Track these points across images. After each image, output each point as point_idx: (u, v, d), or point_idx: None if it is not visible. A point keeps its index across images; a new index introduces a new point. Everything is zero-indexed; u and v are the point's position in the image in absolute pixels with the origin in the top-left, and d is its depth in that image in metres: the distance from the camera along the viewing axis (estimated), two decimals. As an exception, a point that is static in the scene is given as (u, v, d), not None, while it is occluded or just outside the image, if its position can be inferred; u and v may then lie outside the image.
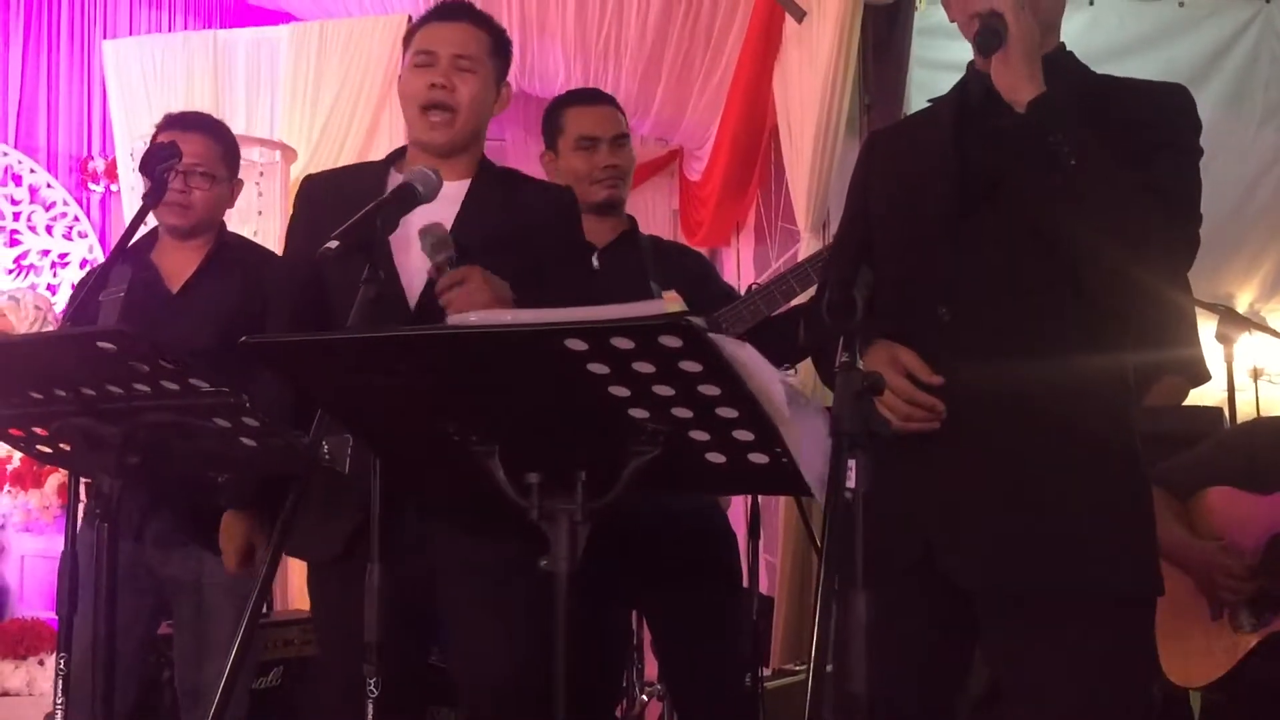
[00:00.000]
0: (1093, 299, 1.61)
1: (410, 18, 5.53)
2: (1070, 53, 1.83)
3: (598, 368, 1.19)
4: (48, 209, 6.78)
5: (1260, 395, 3.85)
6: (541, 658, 1.65)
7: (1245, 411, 3.43)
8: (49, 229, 6.78)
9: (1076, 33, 4.94)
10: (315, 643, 2.26)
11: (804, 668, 3.72)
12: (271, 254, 2.97)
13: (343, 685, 1.82)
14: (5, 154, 6.79)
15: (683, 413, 1.24)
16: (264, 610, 2.94)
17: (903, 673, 1.62)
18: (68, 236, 6.78)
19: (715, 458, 1.30)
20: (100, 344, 1.38)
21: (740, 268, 6.02)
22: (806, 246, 4.31)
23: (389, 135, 5.21)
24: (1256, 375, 4.09)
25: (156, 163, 2.26)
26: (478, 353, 1.23)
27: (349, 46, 5.32)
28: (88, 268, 6.77)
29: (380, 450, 1.51)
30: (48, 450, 1.70)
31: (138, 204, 5.81)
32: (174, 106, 5.55)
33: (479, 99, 2.07)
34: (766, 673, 3.42)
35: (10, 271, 6.62)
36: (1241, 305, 4.80)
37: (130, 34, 6.85)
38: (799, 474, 1.27)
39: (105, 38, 6.90)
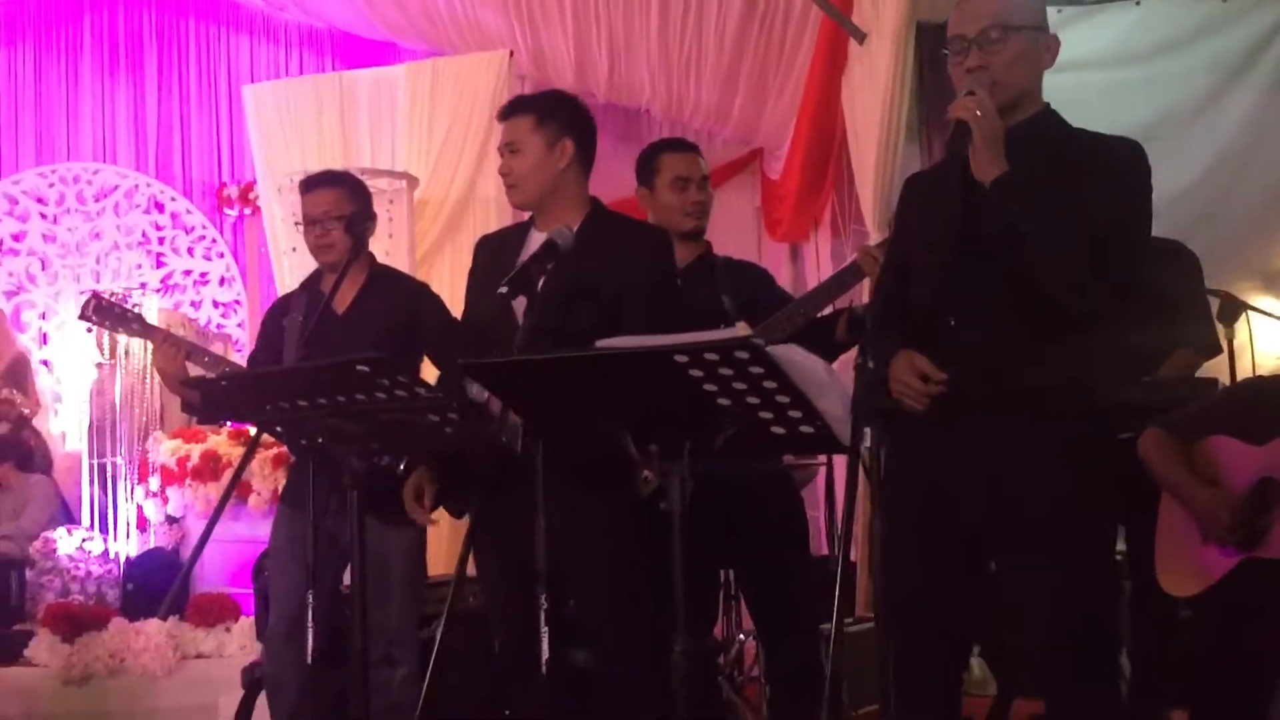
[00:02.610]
0: (1057, 313, 2.22)
1: (511, 53, 6.27)
2: (1052, 112, 2.42)
3: (696, 372, 1.86)
4: (188, 232, 7.68)
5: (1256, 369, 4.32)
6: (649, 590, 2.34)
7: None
8: (190, 250, 7.68)
9: (1125, 31, 5.54)
10: (481, 582, 2.89)
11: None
12: (416, 281, 3.68)
13: (512, 609, 2.51)
14: (149, 184, 7.70)
15: (753, 399, 1.90)
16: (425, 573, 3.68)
17: (925, 587, 2.27)
18: (207, 257, 7.67)
19: (778, 429, 1.96)
20: (359, 367, 2.09)
21: (819, 261, 6.62)
22: (876, 245, 4.91)
23: (495, 163, 5.92)
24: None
25: (358, 224, 2.98)
26: (619, 367, 1.91)
27: (459, 81, 6.06)
28: (225, 285, 7.68)
29: (545, 434, 2.20)
30: (303, 442, 2.42)
31: (279, 228, 6.63)
32: (307, 143, 6.41)
33: (530, 169, 2.72)
34: (849, 620, 4.07)
35: (158, 290, 7.52)
36: (1294, 276, 5.29)
37: (250, 71, 7.70)
38: (834, 438, 1.93)
39: (229, 75, 7.77)
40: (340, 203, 3.35)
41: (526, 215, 2.86)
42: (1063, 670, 2.25)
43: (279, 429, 2.47)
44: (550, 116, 2.75)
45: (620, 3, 6.05)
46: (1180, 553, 2.86)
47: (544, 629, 2.30)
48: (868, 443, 1.85)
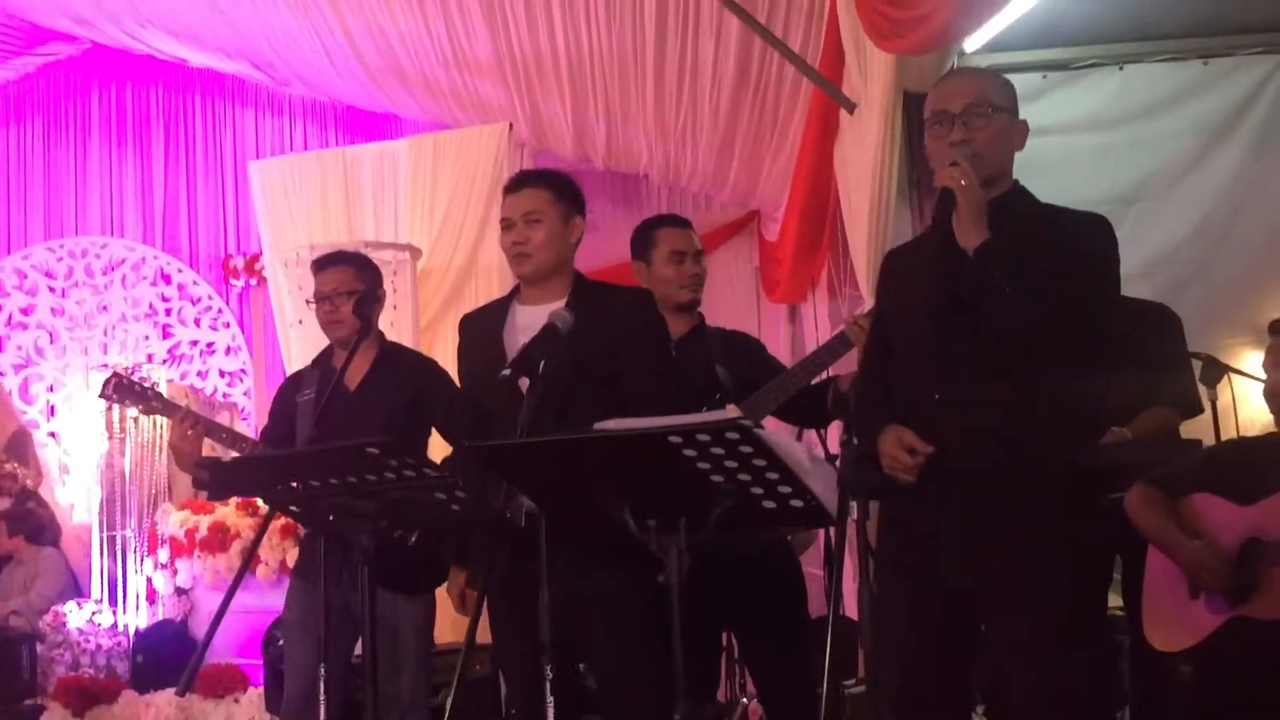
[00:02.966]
0: (1033, 377, 2.33)
1: (511, 125, 6.45)
2: (1023, 189, 2.55)
3: (689, 452, 1.97)
4: (195, 303, 7.84)
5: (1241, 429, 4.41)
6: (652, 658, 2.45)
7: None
8: (196, 321, 7.83)
9: (1110, 95, 5.71)
10: (494, 649, 3.03)
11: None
12: (424, 358, 3.81)
13: (523, 678, 2.61)
14: (156, 256, 7.87)
15: (744, 477, 2.01)
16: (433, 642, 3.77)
17: (922, 652, 2.37)
18: (213, 327, 7.83)
19: (769, 504, 2.07)
20: (369, 450, 2.20)
21: (817, 322, 6.74)
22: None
23: (496, 233, 6.09)
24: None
25: (368, 303, 3.12)
26: (616, 447, 2.03)
27: (459, 154, 6.24)
28: (231, 354, 7.81)
29: (548, 510, 2.31)
30: (315, 520, 2.53)
31: (286, 301, 6.75)
32: (312, 217, 6.58)
33: (548, 239, 2.85)
34: (850, 682, 4.16)
35: (165, 361, 7.66)
36: (1287, 329, 5.39)
37: (255, 144, 7.90)
38: (824, 511, 2.04)
39: (235, 148, 7.97)
40: (351, 281, 3.49)
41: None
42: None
43: (292, 507, 2.58)
44: (564, 194, 2.91)
45: (616, 74, 6.23)
46: (1168, 608, 2.95)
47: (549, 698, 2.39)
48: (854, 515, 1.96)
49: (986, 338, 2.37)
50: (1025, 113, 6.11)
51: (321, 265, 3.57)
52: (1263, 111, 5.65)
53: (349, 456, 2.29)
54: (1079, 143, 5.71)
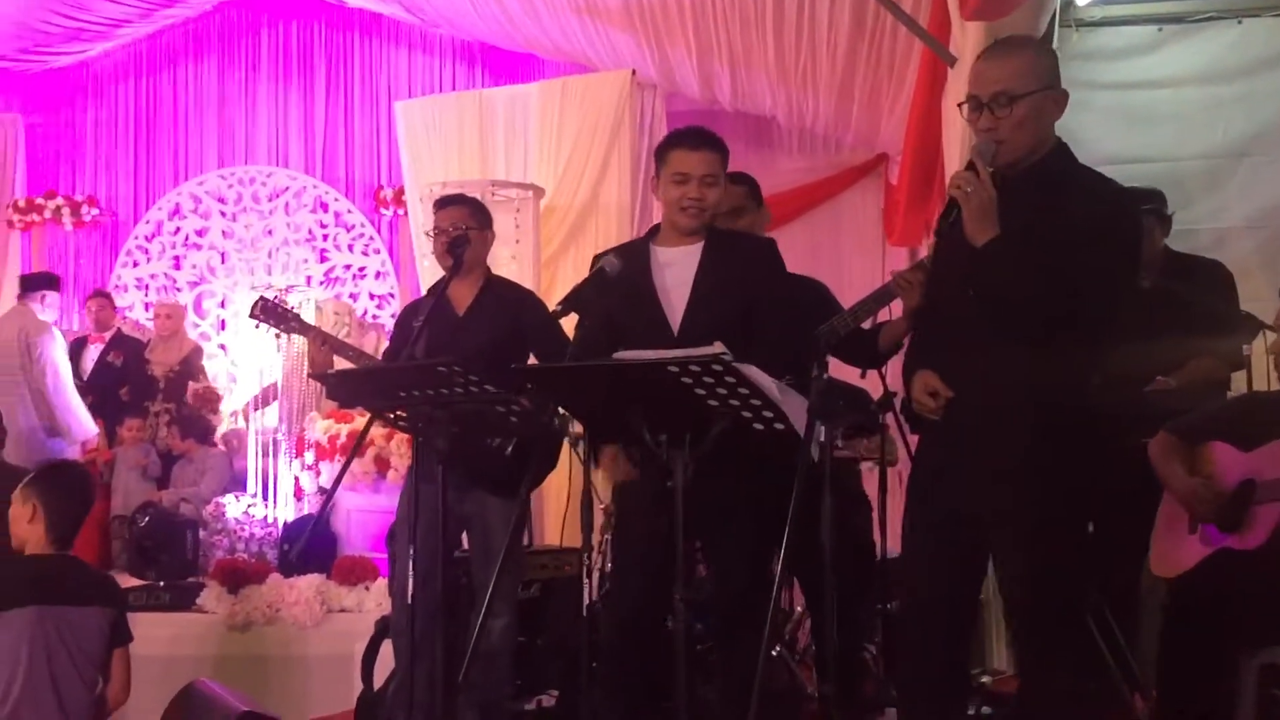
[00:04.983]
0: (1034, 344, 2.63)
1: (634, 71, 6.90)
2: (1060, 152, 2.76)
3: (686, 380, 2.45)
4: (349, 230, 8.60)
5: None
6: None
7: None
8: (350, 247, 8.60)
9: (1225, 48, 5.82)
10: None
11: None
12: (523, 289, 4.35)
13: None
14: (315, 185, 8.65)
15: (734, 402, 2.48)
16: (527, 542, 4.35)
17: (929, 572, 2.77)
18: (365, 253, 8.59)
19: (757, 426, 2.53)
20: (440, 369, 2.75)
21: (930, 266, 7.03)
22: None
23: (617, 173, 6.60)
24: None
25: (476, 239, 3.73)
26: (629, 373, 2.52)
27: (585, 98, 6.73)
28: (380, 278, 8.56)
29: (586, 423, 2.83)
30: (404, 425, 3.10)
31: (422, 235, 7.40)
32: (449, 155, 7.16)
33: (719, 200, 3.21)
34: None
35: (322, 283, 8.46)
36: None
37: (408, 81, 8.57)
38: (798, 434, 2.49)
39: (389, 85, 8.65)
40: (464, 219, 4.06)
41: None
42: (1029, 644, 2.73)
43: (393, 415, 3.15)
44: (727, 159, 3.25)
45: (738, 22, 6.60)
46: (1169, 539, 3.30)
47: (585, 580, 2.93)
48: (821, 438, 2.40)
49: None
50: (1139, 65, 6.25)
51: (442, 204, 4.16)
52: (1383, 67, 5.68)
53: (425, 373, 2.84)
54: (1191, 95, 5.85)
